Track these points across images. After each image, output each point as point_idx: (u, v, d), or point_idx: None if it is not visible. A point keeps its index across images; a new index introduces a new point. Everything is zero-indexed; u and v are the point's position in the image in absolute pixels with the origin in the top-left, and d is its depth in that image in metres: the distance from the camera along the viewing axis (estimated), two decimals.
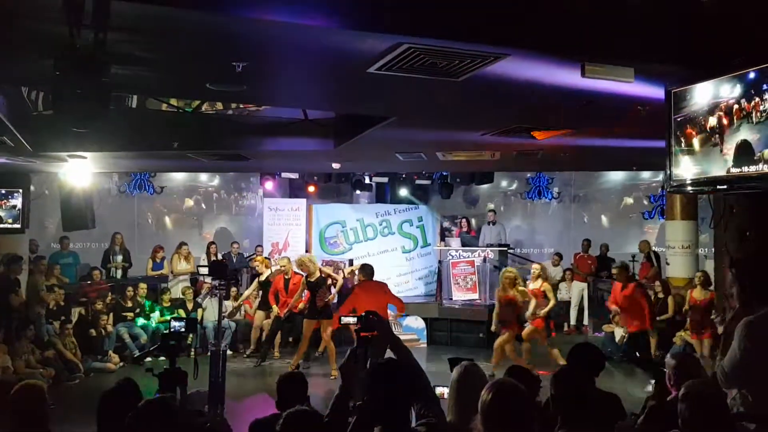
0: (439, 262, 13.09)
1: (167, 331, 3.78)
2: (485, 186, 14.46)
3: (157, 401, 2.31)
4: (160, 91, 6.45)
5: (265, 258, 11.67)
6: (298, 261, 9.77)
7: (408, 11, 3.69)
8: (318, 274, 9.64)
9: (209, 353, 5.36)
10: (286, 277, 10.10)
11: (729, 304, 4.05)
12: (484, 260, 12.23)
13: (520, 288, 9.14)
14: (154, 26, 3.64)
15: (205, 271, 4.96)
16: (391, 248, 13.62)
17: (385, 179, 13.44)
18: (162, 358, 5.12)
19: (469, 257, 12.31)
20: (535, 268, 9.88)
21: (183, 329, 3.70)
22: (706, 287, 8.91)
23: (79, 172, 9.80)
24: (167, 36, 3.82)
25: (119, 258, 11.97)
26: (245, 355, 10.74)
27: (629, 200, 14.71)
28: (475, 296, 11.84)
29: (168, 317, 9.82)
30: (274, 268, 10.76)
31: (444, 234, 14.28)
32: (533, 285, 9.55)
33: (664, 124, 4.54)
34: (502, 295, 9.03)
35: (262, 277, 10.76)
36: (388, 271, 13.04)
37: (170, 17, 3.42)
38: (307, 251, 13.02)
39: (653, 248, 12.37)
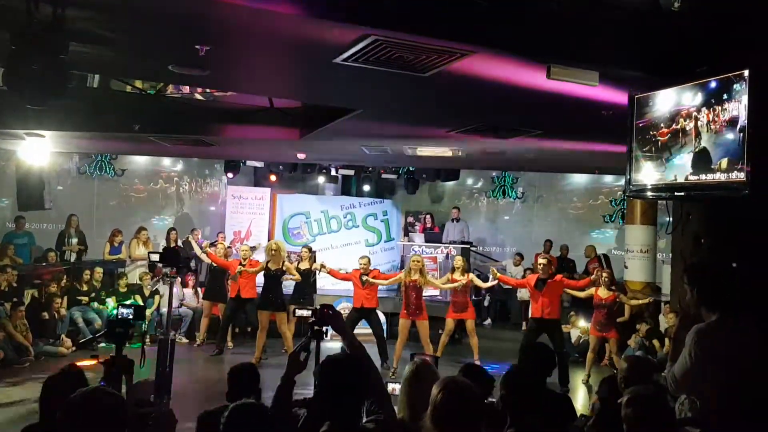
0: (402, 257, 13.09)
1: (114, 318, 3.70)
2: (451, 183, 14.52)
3: (91, 391, 2.23)
4: (120, 72, 6.30)
5: (227, 247, 11.52)
6: (275, 245, 9.75)
7: (376, 3, 3.66)
8: (280, 266, 9.60)
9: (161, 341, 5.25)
10: (243, 262, 10.00)
11: (684, 309, 4.10)
12: (447, 257, 12.27)
13: (427, 277, 9.39)
14: (114, 4, 3.53)
15: (156, 257, 4.86)
16: (354, 241, 13.57)
17: (351, 172, 13.38)
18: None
19: (431, 253, 12.33)
20: (457, 260, 9.98)
21: (131, 316, 3.61)
22: (610, 287, 9.16)
23: (37, 150, 9.54)
24: (128, 14, 3.72)
25: (74, 240, 11.71)
26: (196, 344, 10.59)
27: (591, 203, 14.91)
28: (436, 292, 11.84)
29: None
30: (231, 258, 10.59)
31: (408, 229, 14.29)
32: (456, 276, 9.66)
33: (627, 128, 4.59)
34: (408, 279, 9.19)
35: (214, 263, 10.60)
36: (351, 264, 13.02)
37: None
38: (270, 240, 12.93)
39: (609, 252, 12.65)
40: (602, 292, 9.14)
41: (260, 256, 10.79)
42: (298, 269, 10.02)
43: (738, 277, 3.62)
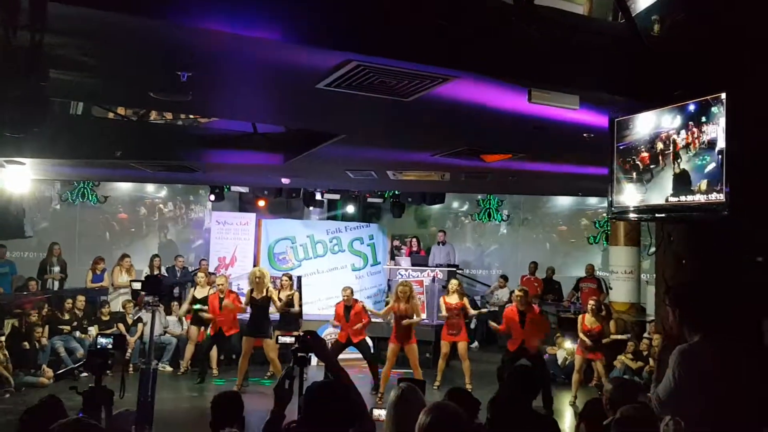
0: (389, 281, 13.05)
1: (94, 348, 3.63)
2: (436, 206, 14.55)
3: (72, 422, 2.19)
4: (101, 98, 6.29)
5: (210, 274, 11.41)
6: (258, 273, 9.72)
7: (358, 28, 3.68)
8: (265, 293, 9.56)
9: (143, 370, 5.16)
10: (221, 296, 9.95)
11: (667, 331, 4.11)
12: (433, 280, 12.26)
13: (414, 302, 9.30)
14: (93, 31, 3.52)
15: (138, 285, 4.79)
16: (340, 266, 13.50)
17: (336, 196, 13.38)
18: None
19: (418, 277, 12.31)
20: (453, 283, 9.99)
21: (110, 346, 3.56)
22: (596, 315, 9.15)
23: (17, 178, 9.45)
24: (108, 41, 3.71)
25: (56, 269, 11.57)
26: (179, 373, 10.47)
27: (575, 224, 15.00)
28: (423, 316, 11.81)
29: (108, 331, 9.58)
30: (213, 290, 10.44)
31: (394, 253, 14.27)
32: (450, 300, 9.69)
33: (608, 151, 4.62)
34: (396, 307, 9.12)
35: (197, 293, 10.52)
36: (337, 289, 12.95)
37: (110, 22, 3.32)
38: (255, 267, 12.83)
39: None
40: (589, 321, 9.11)
41: (244, 284, 10.72)
42: (279, 298, 9.95)
43: (719, 297, 3.64)
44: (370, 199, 13.56)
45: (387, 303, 12.47)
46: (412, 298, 9.25)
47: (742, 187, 3.64)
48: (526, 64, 4.11)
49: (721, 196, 3.68)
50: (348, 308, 9.42)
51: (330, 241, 13.52)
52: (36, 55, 3.53)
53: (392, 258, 13.94)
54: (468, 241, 15.54)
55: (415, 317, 9.10)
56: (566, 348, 10.56)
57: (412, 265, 12.87)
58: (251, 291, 9.64)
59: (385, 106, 4.85)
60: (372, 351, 9.89)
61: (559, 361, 10.62)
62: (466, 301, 9.86)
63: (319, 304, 12.29)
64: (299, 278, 12.07)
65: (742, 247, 3.95)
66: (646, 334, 10.17)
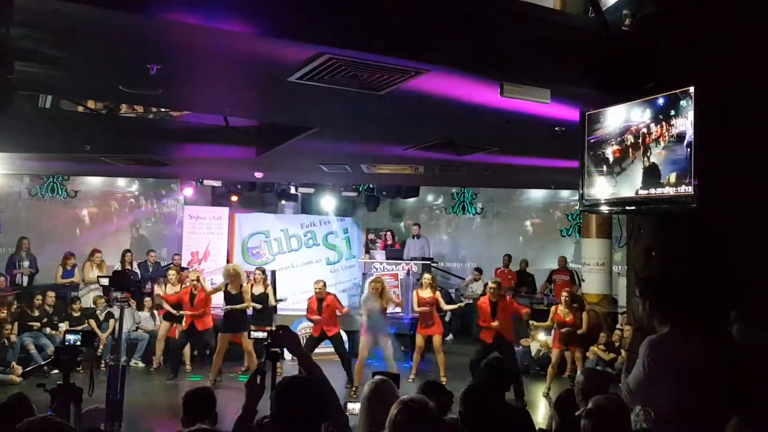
0: (363, 274, 13.04)
1: (62, 345, 3.58)
2: (411, 200, 14.57)
3: (39, 421, 2.15)
4: (69, 92, 6.17)
5: (182, 270, 11.29)
6: (233, 270, 9.65)
7: (330, 22, 3.66)
8: (239, 289, 9.51)
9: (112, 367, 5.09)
10: (194, 291, 9.86)
11: (638, 322, 4.17)
12: (408, 273, 12.28)
13: (387, 297, 9.31)
14: (60, 22, 3.46)
15: (106, 281, 4.73)
16: (315, 260, 13.45)
17: (311, 190, 13.29)
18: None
19: (393, 270, 12.32)
20: (426, 277, 10.03)
21: (78, 343, 3.50)
22: (569, 306, 9.24)
23: None
24: (75, 33, 3.63)
25: (25, 264, 11.37)
26: (151, 369, 10.36)
27: (548, 217, 15.14)
28: (398, 309, 11.84)
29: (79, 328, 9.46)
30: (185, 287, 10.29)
31: (369, 246, 14.26)
32: (423, 294, 9.72)
33: (579, 145, 4.66)
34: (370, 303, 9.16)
35: (169, 291, 10.42)
36: (312, 284, 12.91)
37: (78, 14, 3.25)
38: (228, 262, 12.73)
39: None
40: (562, 312, 9.21)
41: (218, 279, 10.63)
42: (252, 294, 9.88)
43: (688, 288, 3.70)
44: (344, 193, 13.53)
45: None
46: (385, 293, 9.26)
47: (710, 179, 3.69)
48: (498, 58, 4.13)
49: (690, 189, 3.73)
50: (320, 301, 9.41)
51: (304, 235, 13.47)
52: (1, 47, 3.45)
53: (367, 252, 13.92)
54: (443, 235, 15.60)
55: (390, 308, 9.15)
56: (540, 340, 10.66)
57: (387, 258, 12.87)
58: (226, 286, 9.58)
59: (358, 99, 4.83)
60: (346, 345, 9.89)
61: (533, 353, 10.71)
62: (438, 294, 9.89)
63: (293, 298, 12.23)
64: (273, 272, 12.00)
65: (710, 239, 4.02)
66: (618, 326, 10.30)
